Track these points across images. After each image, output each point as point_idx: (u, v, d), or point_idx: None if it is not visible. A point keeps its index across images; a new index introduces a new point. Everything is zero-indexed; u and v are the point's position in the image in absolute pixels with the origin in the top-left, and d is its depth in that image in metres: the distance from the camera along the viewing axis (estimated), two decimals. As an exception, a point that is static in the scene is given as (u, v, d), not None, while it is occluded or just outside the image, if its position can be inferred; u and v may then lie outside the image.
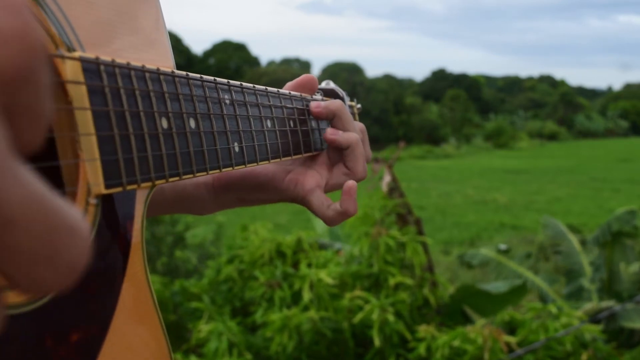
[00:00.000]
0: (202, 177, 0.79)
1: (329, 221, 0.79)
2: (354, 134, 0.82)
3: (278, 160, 0.75)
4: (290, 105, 0.80)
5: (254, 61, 53.46)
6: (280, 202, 0.83)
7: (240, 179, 0.80)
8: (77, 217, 0.28)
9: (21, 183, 0.25)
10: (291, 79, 0.86)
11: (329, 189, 0.83)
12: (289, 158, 0.78)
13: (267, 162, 0.72)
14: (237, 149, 0.64)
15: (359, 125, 0.88)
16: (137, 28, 0.56)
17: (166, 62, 0.60)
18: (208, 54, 52.24)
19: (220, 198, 0.81)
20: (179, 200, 0.80)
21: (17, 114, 0.26)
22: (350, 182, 0.79)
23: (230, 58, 51.52)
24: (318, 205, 0.79)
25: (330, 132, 0.82)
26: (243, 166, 0.66)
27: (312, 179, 0.81)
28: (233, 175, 0.80)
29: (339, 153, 0.84)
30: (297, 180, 0.80)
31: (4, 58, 0.25)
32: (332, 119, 0.83)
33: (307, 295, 3.81)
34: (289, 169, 0.83)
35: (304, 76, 0.85)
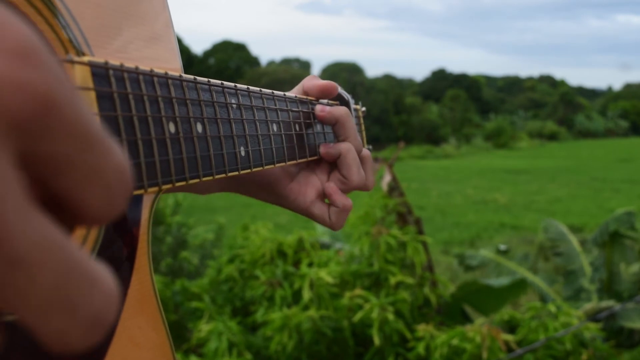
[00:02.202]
0: None
1: (335, 226, 0.81)
2: (345, 143, 0.83)
3: (283, 164, 0.75)
4: (296, 109, 0.80)
5: (254, 61, 53.43)
6: (279, 206, 0.84)
7: (247, 175, 0.81)
8: (100, 269, 0.27)
9: (35, 225, 0.25)
10: (291, 79, 0.86)
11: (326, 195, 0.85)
12: (294, 162, 0.78)
13: (272, 166, 0.72)
14: (243, 153, 0.64)
15: (342, 109, 0.87)
16: (143, 23, 0.56)
17: (173, 59, 0.60)
18: (208, 54, 52.22)
19: (222, 183, 0.82)
20: None
21: (52, 165, 0.26)
22: (327, 184, 0.82)
23: (230, 58, 51.49)
24: (320, 215, 0.81)
25: (322, 147, 0.83)
26: (249, 170, 0.66)
27: (313, 188, 0.82)
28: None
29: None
30: (299, 191, 0.81)
31: (6, 105, 0.24)
32: (334, 124, 0.84)
33: (307, 295, 3.82)
34: (293, 174, 0.83)
35: (328, 83, 0.85)
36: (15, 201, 0.24)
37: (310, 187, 0.82)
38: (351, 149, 0.82)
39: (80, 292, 0.26)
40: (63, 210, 0.28)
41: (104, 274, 0.27)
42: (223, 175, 0.60)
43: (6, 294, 0.24)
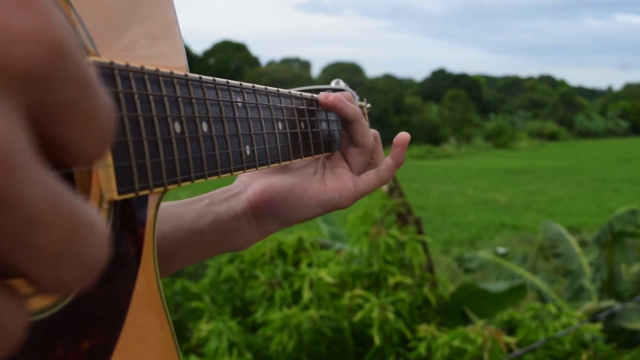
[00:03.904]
0: (240, 208, 0.77)
1: (384, 180, 0.82)
2: (358, 108, 0.83)
3: (289, 162, 0.75)
4: (302, 106, 0.79)
5: (254, 61, 53.43)
6: (322, 214, 0.81)
7: (281, 203, 0.78)
8: (95, 215, 0.28)
9: (45, 181, 0.25)
10: (291, 79, 0.86)
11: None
12: (299, 160, 0.78)
13: (277, 164, 0.71)
14: (248, 151, 0.64)
15: (373, 132, 0.87)
16: (149, 21, 0.56)
17: (178, 57, 0.59)
18: (208, 54, 52.21)
19: (262, 226, 0.79)
20: (221, 237, 0.77)
21: (54, 114, 0.26)
22: (404, 134, 0.82)
23: (230, 58, 51.48)
24: (368, 185, 0.81)
25: (336, 99, 0.81)
26: (254, 169, 0.66)
27: (347, 175, 0.82)
28: (274, 202, 0.78)
29: (346, 142, 0.85)
30: (339, 188, 0.80)
31: (20, 57, 0.24)
32: (352, 121, 0.82)
33: (307, 295, 3.82)
34: (319, 177, 0.82)
35: (334, 98, 0.84)
36: (28, 159, 0.24)
37: (345, 178, 0.81)
38: (362, 116, 0.83)
39: (83, 240, 0.27)
40: (56, 155, 0.28)
41: (98, 220, 0.28)
42: (229, 174, 0.60)
43: (21, 251, 0.25)
